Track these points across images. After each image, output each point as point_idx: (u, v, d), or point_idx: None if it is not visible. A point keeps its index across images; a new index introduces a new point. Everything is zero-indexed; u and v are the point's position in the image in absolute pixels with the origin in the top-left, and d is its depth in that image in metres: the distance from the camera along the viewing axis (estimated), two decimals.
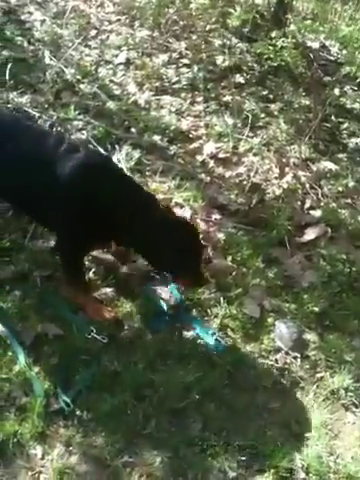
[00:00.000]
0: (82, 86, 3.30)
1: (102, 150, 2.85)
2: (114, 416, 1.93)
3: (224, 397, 2.06)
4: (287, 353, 2.24)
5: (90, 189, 2.02)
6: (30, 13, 3.80)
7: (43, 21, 3.73)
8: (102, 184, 2.03)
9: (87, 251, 2.25)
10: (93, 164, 2.08)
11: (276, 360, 2.21)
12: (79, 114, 3.08)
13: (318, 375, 2.18)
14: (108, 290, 2.32)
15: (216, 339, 2.20)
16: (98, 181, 2.04)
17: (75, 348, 2.09)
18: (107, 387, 2.00)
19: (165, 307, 2.30)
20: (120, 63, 3.59)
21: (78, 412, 1.93)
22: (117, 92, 3.36)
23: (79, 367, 2.05)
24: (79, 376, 2.02)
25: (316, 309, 2.39)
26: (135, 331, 2.21)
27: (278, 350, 2.24)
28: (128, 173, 2.40)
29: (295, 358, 2.22)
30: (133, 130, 3.15)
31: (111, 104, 3.23)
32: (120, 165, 2.78)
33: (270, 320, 2.34)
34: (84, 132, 3.00)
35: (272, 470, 1.87)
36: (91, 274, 2.36)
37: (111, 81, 3.42)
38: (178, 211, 2.66)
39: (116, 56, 3.63)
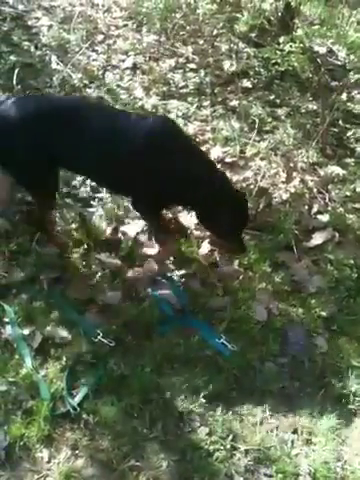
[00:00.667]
0: (89, 91, 3.31)
1: None
2: (121, 419, 1.94)
3: (231, 401, 2.06)
4: (294, 357, 2.23)
5: (161, 152, 2.18)
6: (37, 19, 3.82)
7: (50, 26, 3.75)
8: (171, 148, 2.20)
9: (161, 208, 2.48)
10: (162, 129, 2.24)
11: (283, 364, 2.20)
12: None
13: (325, 380, 2.17)
14: (114, 294, 2.32)
15: (223, 343, 2.20)
16: (167, 145, 2.20)
17: (82, 351, 2.10)
18: (114, 390, 2.01)
19: (171, 311, 2.29)
20: (127, 68, 3.60)
21: (84, 415, 1.93)
22: (124, 97, 3.37)
23: (86, 370, 2.05)
24: (86, 379, 2.02)
25: (323, 314, 2.38)
26: (142, 335, 2.20)
27: (285, 354, 2.23)
28: None
29: (302, 362, 2.21)
30: None
31: (118, 108, 3.24)
32: None
33: (277, 324, 2.33)
34: None
35: (279, 475, 1.87)
36: (97, 277, 2.37)
37: (118, 86, 3.43)
38: (185, 216, 2.67)
39: (123, 61, 3.65)
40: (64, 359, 2.07)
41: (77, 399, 1.95)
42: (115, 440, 1.88)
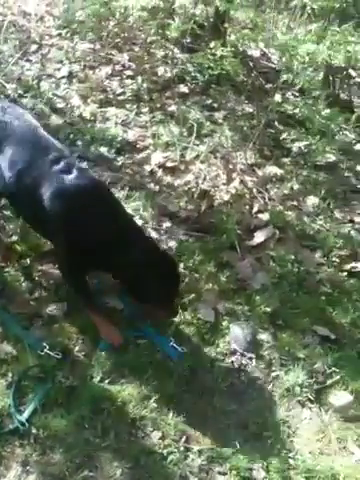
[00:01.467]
0: (24, 101, 3.26)
1: None
2: (72, 431, 1.90)
3: (182, 403, 2.06)
4: (242, 354, 2.26)
5: (74, 213, 2.02)
6: None
7: None
8: (87, 210, 2.03)
9: (83, 270, 2.18)
10: (79, 188, 2.05)
11: (232, 362, 2.24)
12: None
13: (273, 374, 2.22)
14: (59, 305, 2.28)
15: (172, 346, 2.20)
16: (83, 206, 2.03)
17: (28, 366, 2.05)
18: (63, 403, 1.97)
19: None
20: (63, 77, 3.58)
21: (34, 430, 1.89)
22: (61, 105, 3.35)
23: (33, 385, 2.01)
24: (33, 394, 1.98)
25: (268, 309, 2.43)
26: (89, 344, 2.18)
27: (233, 352, 2.27)
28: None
29: (250, 359, 2.25)
30: (79, 143, 3.13)
31: (55, 118, 3.22)
32: None
33: (225, 323, 2.36)
34: None
35: (233, 472, 1.88)
36: (41, 290, 2.33)
37: (54, 95, 3.41)
38: None
39: (58, 70, 3.63)
40: (10, 375, 2.02)
41: (25, 414, 1.90)
42: (67, 452, 1.85)
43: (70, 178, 2.03)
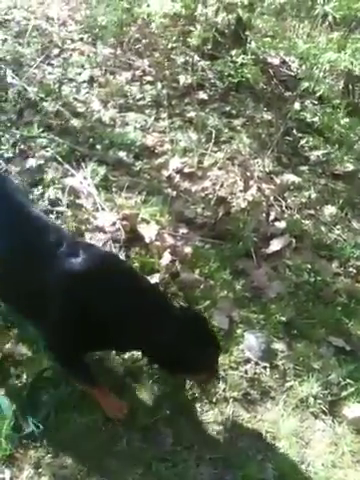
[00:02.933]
0: (45, 104, 3.29)
1: (69, 167, 2.86)
2: (84, 435, 1.91)
3: (195, 411, 2.06)
4: (256, 363, 2.26)
5: (85, 299, 1.80)
6: None
7: (5, 40, 3.73)
8: (100, 292, 1.81)
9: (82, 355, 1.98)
10: (90, 270, 1.82)
11: (246, 371, 2.23)
12: (43, 132, 3.08)
13: (287, 384, 2.20)
14: None
15: None
16: (95, 290, 1.82)
17: (43, 368, 2.06)
18: (76, 406, 1.98)
19: None
20: (84, 81, 3.60)
21: (47, 433, 1.90)
22: (81, 110, 3.37)
23: (48, 387, 2.02)
24: (47, 396, 1.99)
25: (283, 319, 2.42)
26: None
27: (247, 361, 2.26)
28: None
29: (264, 368, 2.25)
30: (98, 147, 3.16)
31: (75, 121, 3.24)
32: (87, 182, 2.81)
33: (239, 331, 2.36)
34: (48, 149, 2.99)
35: None
36: None
37: (75, 99, 3.43)
38: (144, 226, 2.68)
39: (79, 74, 3.65)
40: (25, 376, 2.03)
41: (39, 417, 1.92)
42: (79, 456, 1.86)
43: (79, 261, 1.81)
